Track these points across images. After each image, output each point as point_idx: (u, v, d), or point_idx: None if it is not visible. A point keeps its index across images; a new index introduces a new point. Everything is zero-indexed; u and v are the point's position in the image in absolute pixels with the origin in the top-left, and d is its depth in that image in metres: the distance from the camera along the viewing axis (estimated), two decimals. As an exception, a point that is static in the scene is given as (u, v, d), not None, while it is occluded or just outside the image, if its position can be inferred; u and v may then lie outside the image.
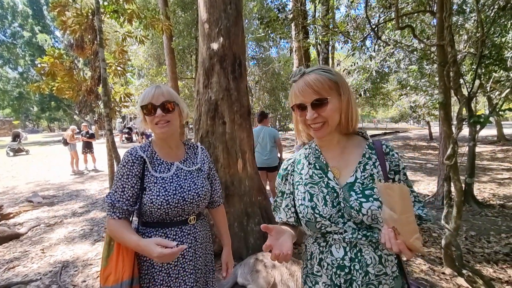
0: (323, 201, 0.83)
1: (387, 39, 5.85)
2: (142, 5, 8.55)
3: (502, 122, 16.16)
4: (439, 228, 3.41)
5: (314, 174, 0.88)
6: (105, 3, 5.00)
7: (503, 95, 4.42)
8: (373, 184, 0.81)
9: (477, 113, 1.99)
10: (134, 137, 19.19)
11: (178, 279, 1.05)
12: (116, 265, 0.98)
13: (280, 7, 5.92)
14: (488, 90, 6.08)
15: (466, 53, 4.58)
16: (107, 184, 6.49)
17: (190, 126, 18.34)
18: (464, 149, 4.52)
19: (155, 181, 1.04)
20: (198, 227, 1.13)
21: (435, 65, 4.99)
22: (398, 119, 16.24)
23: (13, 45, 30.80)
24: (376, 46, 6.57)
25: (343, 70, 8.10)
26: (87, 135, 8.71)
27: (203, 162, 1.20)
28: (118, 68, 5.91)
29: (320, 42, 6.36)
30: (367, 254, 0.79)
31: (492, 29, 3.89)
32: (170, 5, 9.45)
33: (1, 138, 25.58)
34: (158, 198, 1.01)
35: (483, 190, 5.17)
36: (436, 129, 14.97)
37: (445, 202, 2.21)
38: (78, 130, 9.30)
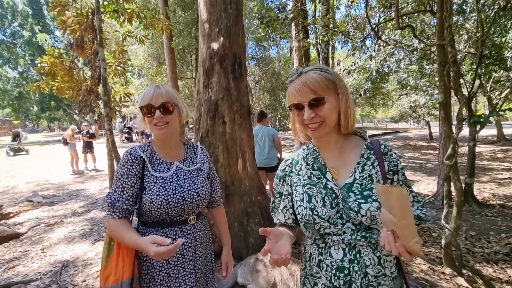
0: (322, 202, 0.82)
1: (387, 39, 5.84)
2: (142, 5, 8.55)
3: (502, 122, 16.17)
4: (439, 228, 3.42)
5: (312, 175, 0.88)
6: (105, 3, 5.00)
7: (503, 95, 4.42)
8: (372, 185, 0.80)
9: (477, 113, 1.99)
10: (134, 137, 19.18)
11: (178, 279, 1.05)
12: (116, 265, 0.98)
13: (280, 6, 5.92)
14: (488, 90, 6.08)
15: (466, 53, 4.59)
16: (107, 183, 6.49)
17: (190, 125, 18.35)
18: (464, 149, 4.53)
19: (154, 180, 1.04)
20: (198, 227, 1.13)
21: (435, 65, 4.99)
22: (398, 119, 16.22)
23: (13, 45, 30.78)
24: (376, 46, 6.57)
25: (343, 70, 8.10)
26: (88, 135, 8.72)
27: (202, 161, 1.20)
28: (118, 67, 5.91)
29: (320, 42, 6.36)
30: (366, 255, 0.79)
31: (492, 29, 3.89)
32: (170, 5, 9.44)
33: (1, 137, 25.58)
34: (158, 197, 1.01)
35: (483, 190, 5.17)
36: (436, 129, 14.97)
37: (445, 202, 2.21)
38: (78, 130, 9.31)
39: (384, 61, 6.84)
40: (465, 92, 2.28)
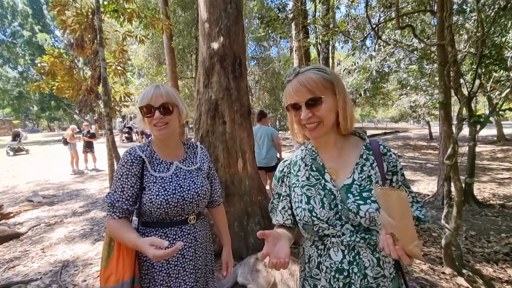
0: (320, 204, 0.81)
1: (388, 39, 5.84)
2: (142, 5, 8.54)
3: (502, 122, 16.16)
4: (439, 227, 3.42)
5: (310, 176, 0.87)
6: (105, 3, 5.00)
7: (503, 95, 4.42)
8: (371, 186, 0.80)
9: (477, 113, 1.99)
10: (134, 137, 19.18)
11: (178, 279, 1.05)
12: (117, 265, 0.98)
13: (280, 6, 5.92)
14: (488, 90, 6.08)
15: (466, 53, 4.59)
16: (107, 183, 6.50)
17: (190, 125, 18.35)
18: (464, 149, 4.52)
19: (154, 180, 1.04)
20: (198, 226, 1.13)
21: (435, 65, 4.99)
22: (398, 119, 16.20)
23: (13, 45, 30.77)
24: (376, 46, 6.57)
25: (343, 70, 8.09)
26: (89, 135, 8.73)
27: (202, 161, 1.19)
28: (118, 67, 5.91)
29: (320, 42, 6.36)
30: (365, 257, 0.79)
31: (493, 28, 3.89)
32: (170, 5, 9.44)
33: (1, 137, 25.58)
34: (158, 197, 1.01)
35: (483, 190, 5.17)
36: (436, 129, 14.96)
37: (445, 202, 2.21)
38: (78, 130, 9.31)
39: (384, 61, 6.84)
40: (465, 92, 2.28)
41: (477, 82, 3.39)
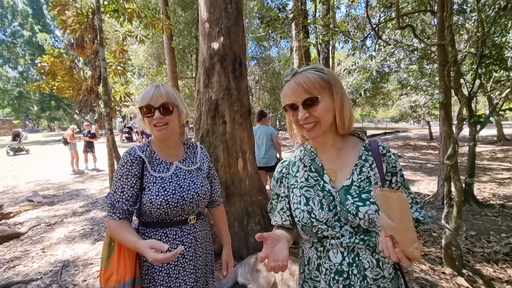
0: (319, 205, 0.81)
1: (388, 39, 5.84)
2: (142, 5, 8.55)
3: (502, 122, 16.15)
4: (439, 228, 3.42)
5: (309, 177, 0.86)
6: (105, 3, 5.00)
7: (503, 95, 4.42)
8: (370, 187, 0.79)
9: (478, 113, 1.99)
10: (134, 137, 19.18)
11: (178, 279, 1.05)
12: (118, 266, 0.98)
13: (280, 6, 5.92)
14: (489, 90, 6.08)
15: (466, 53, 4.59)
16: (108, 183, 6.50)
17: (190, 125, 18.36)
18: (464, 149, 4.52)
19: (154, 181, 1.04)
20: (198, 226, 1.13)
21: (436, 65, 4.99)
22: (398, 119, 16.19)
23: (13, 44, 30.78)
24: (377, 46, 6.57)
25: (344, 70, 8.09)
26: (89, 135, 8.74)
27: (202, 161, 1.19)
28: (118, 67, 5.91)
29: (320, 42, 6.37)
30: (365, 258, 0.78)
31: (493, 28, 3.89)
32: (171, 5, 9.45)
33: (1, 137, 25.59)
34: (158, 198, 1.01)
35: (483, 190, 5.17)
36: (436, 129, 14.95)
37: (445, 202, 2.21)
38: (78, 130, 9.32)
39: (384, 61, 6.84)
40: (465, 92, 2.28)
41: (477, 82, 3.39)
